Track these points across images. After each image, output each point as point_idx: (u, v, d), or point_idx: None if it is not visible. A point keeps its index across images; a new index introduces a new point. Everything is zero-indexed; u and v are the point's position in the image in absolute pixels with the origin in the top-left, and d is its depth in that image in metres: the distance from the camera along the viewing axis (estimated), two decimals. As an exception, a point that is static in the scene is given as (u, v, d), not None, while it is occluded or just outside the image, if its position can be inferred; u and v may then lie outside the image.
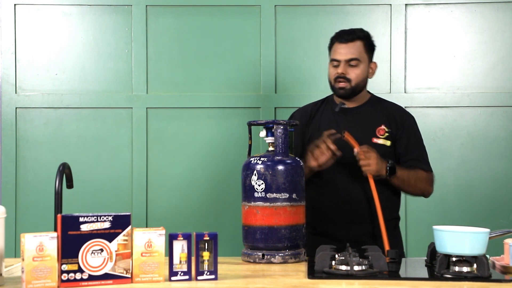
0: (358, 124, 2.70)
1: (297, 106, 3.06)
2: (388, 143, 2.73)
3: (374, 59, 2.80)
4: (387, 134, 2.72)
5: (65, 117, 3.67)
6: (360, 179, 2.62)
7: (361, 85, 2.75)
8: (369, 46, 2.76)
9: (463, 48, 3.66)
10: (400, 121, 2.77)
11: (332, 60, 2.74)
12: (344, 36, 2.72)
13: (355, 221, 2.70)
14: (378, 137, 2.73)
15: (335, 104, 2.80)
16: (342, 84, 2.71)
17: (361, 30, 2.78)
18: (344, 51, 2.70)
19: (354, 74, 2.71)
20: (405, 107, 3.61)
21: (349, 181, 2.70)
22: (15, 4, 3.66)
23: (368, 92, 2.86)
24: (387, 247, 2.45)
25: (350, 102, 2.79)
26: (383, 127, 2.73)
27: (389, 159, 2.62)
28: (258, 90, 3.67)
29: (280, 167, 2.31)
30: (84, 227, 1.90)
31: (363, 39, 2.73)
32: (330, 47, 2.79)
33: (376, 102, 2.82)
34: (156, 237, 1.96)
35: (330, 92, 2.86)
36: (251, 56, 3.68)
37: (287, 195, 2.30)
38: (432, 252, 2.19)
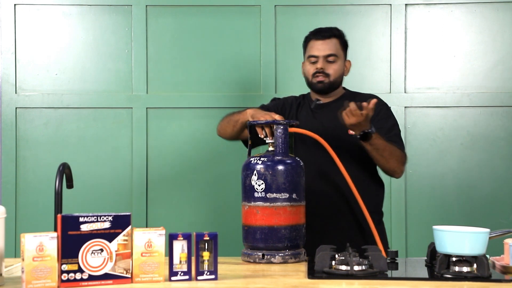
0: (333, 119, 2.66)
1: (297, 106, 3.06)
2: None
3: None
4: None
5: (65, 117, 3.67)
6: (329, 173, 2.63)
7: (338, 81, 2.80)
8: (344, 45, 2.82)
9: (463, 48, 3.66)
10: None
11: (310, 56, 2.78)
12: (321, 33, 2.78)
13: (334, 213, 2.68)
14: None
15: (311, 101, 2.84)
16: (320, 78, 2.75)
17: (336, 28, 2.83)
18: (322, 47, 2.75)
19: (332, 69, 2.75)
20: (405, 107, 3.62)
21: (321, 174, 2.66)
22: (15, 4, 3.66)
23: (344, 88, 2.88)
24: (375, 232, 2.44)
25: (325, 98, 2.82)
26: None
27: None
28: (258, 90, 3.67)
29: (280, 167, 2.31)
30: (84, 227, 1.90)
31: (339, 37, 2.79)
32: (306, 45, 2.83)
33: (350, 96, 2.81)
34: (156, 237, 1.96)
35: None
36: (251, 56, 3.68)
37: (287, 195, 2.30)
38: (432, 252, 2.19)
